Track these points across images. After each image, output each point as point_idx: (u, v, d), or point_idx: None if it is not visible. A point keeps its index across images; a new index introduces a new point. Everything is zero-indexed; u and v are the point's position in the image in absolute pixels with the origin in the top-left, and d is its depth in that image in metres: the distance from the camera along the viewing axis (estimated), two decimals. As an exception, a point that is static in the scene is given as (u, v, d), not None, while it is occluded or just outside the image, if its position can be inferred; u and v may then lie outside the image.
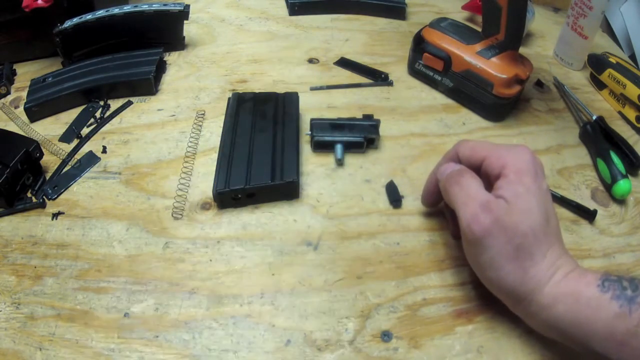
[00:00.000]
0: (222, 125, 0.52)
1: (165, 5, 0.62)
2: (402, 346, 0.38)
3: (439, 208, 0.47)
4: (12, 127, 0.55)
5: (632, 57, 0.76)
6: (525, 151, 0.38)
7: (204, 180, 0.50)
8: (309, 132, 0.52)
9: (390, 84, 0.62)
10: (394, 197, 0.49)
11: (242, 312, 0.40)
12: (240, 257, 0.44)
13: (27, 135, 0.53)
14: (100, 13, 0.59)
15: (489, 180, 0.38)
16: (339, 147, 0.51)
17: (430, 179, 0.45)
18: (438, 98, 0.61)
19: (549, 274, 0.34)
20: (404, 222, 0.47)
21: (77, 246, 0.44)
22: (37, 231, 0.45)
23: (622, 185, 0.49)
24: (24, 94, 0.57)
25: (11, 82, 0.61)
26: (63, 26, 0.58)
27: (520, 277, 0.35)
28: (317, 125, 0.52)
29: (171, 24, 0.64)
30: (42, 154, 0.49)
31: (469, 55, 0.55)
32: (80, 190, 0.49)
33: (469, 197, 0.37)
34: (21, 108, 0.56)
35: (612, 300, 0.31)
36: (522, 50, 0.59)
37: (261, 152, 0.48)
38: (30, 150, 0.47)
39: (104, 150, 0.53)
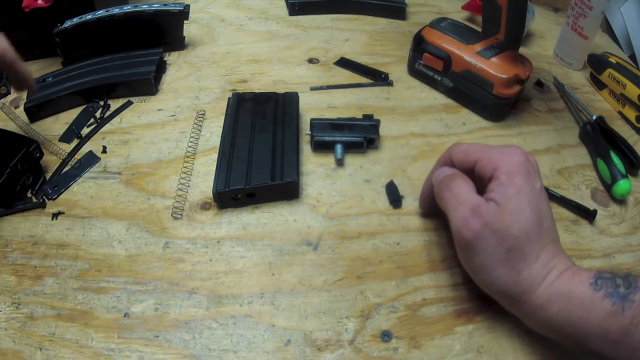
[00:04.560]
0: (222, 125, 0.52)
1: (165, 5, 0.62)
2: (402, 346, 0.38)
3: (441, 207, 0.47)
4: (12, 127, 0.55)
5: (632, 57, 0.76)
6: (516, 152, 0.37)
7: (204, 180, 0.50)
8: (309, 132, 0.52)
9: (390, 84, 0.62)
10: (394, 197, 0.49)
11: (242, 312, 0.40)
12: (240, 257, 0.44)
13: (27, 135, 0.53)
14: (100, 13, 0.59)
15: (482, 183, 0.38)
16: (339, 147, 0.52)
17: (426, 184, 0.45)
18: (438, 98, 0.61)
19: (542, 275, 0.34)
20: (404, 222, 0.47)
21: (77, 246, 0.44)
22: (37, 231, 0.45)
23: (622, 185, 0.49)
24: (24, 94, 0.57)
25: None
26: (63, 26, 0.58)
27: (513, 279, 0.35)
28: (317, 125, 0.52)
29: (171, 24, 0.64)
30: (42, 154, 0.49)
31: (469, 55, 0.55)
32: (80, 190, 0.49)
33: (459, 201, 0.37)
34: (21, 108, 0.56)
35: (604, 298, 0.31)
36: (522, 50, 0.59)
37: (261, 152, 0.48)
38: (30, 150, 0.47)
39: (104, 150, 0.53)
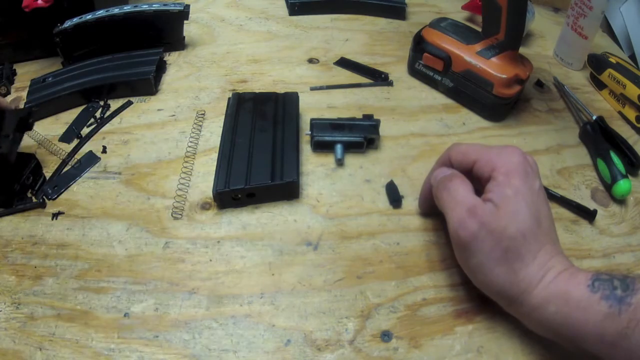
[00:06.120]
0: (222, 125, 0.52)
1: (165, 5, 0.62)
2: (402, 346, 0.38)
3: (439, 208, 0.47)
4: (12, 127, 0.55)
5: (632, 57, 0.76)
6: (514, 152, 0.37)
7: (204, 180, 0.50)
8: (309, 132, 0.52)
9: (390, 84, 0.62)
10: (394, 197, 0.49)
11: (242, 312, 0.40)
12: (240, 257, 0.44)
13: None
14: (100, 13, 0.59)
15: (481, 184, 0.39)
16: (339, 147, 0.52)
17: (425, 185, 0.45)
18: (438, 98, 0.61)
19: (540, 275, 0.34)
20: (404, 222, 0.47)
21: (77, 246, 0.44)
22: (37, 231, 0.45)
23: (622, 185, 0.49)
24: (24, 94, 0.57)
25: (11, 82, 0.61)
26: (63, 26, 0.58)
27: (510, 280, 0.35)
28: (317, 125, 0.52)
29: (171, 24, 0.64)
30: (34, 121, 0.50)
31: (469, 55, 0.55)
32: (80, 190, 0.49)
33: (456, 202, 0.37)
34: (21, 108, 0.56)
35: (601, 300, 0.31)
36: (522, 50, 0.59)
37: (261, 152, 0.48)
38: (24, 117, 0.48)
39: (104, 150, 0.53)
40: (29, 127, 0.49)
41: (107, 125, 0.56)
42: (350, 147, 0.52)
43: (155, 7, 0.61)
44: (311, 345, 0.38)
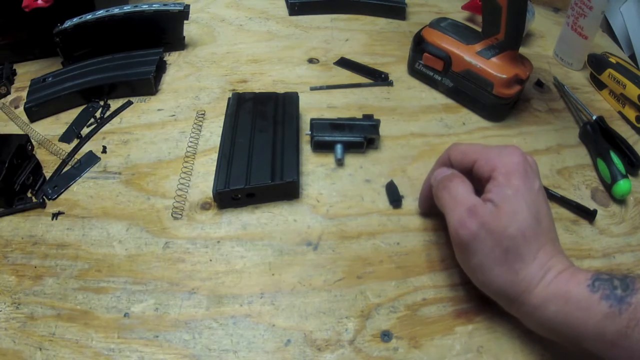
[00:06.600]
0: (222, 125, 0.52)
1: (165, 5, 0.62)
2: (402, 346, 0.38)
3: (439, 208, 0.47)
4: (12, 127, 0.55)
5: (632, 57, 0.76)
6: (514, 152, 0.37)
7: (204, 180, 0.50)
8: (309, 132, 0.52)
9: (390, 84, 0.62)
10: (394, 197, 0.49)
11: (242, 312, 0.40)
12: (240, 257, 0.44)
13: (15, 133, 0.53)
14: (100, 13, 0.59)
15: (481, 184, 0.39)
16: (339, 147, 0.52)
17: (425, 185, 0.45)
18: (438, 98, 0.61)
19: (540, 275, 0.34)
20: (404, 222, 0.47)
21: (77, 246, 0.44)
22: (37, 231, 0.45)
23: (622, 185, 0.49)
24: (24, 94, 0.57)
25: (11, 82, 0.61)
26: (63, 26, 0.58)
27: (510, 280, 0.35)
28: (317, 125, 0.52)
29: (171, 24, 0.64)
30: (32, 147, 0.50)
31: (469, 55, 0.55)
32: (80, 190, 0.49)
33: (456, 202, 0.37)
34: (21, 108, 0.56)
35: (601, 300, 0.31)
36: (522, 50, 0.59)
37: (261, 152, 0.48)
38: (23, 144, 0.48)
39: (104, 150, 0.53)
40: (28, 155, 0.49)
41: (107, 125, 0.56)
42: (350, 147, 0.52)
43: (155, 7, 0.61)
44: (311, 345, 0.38)
